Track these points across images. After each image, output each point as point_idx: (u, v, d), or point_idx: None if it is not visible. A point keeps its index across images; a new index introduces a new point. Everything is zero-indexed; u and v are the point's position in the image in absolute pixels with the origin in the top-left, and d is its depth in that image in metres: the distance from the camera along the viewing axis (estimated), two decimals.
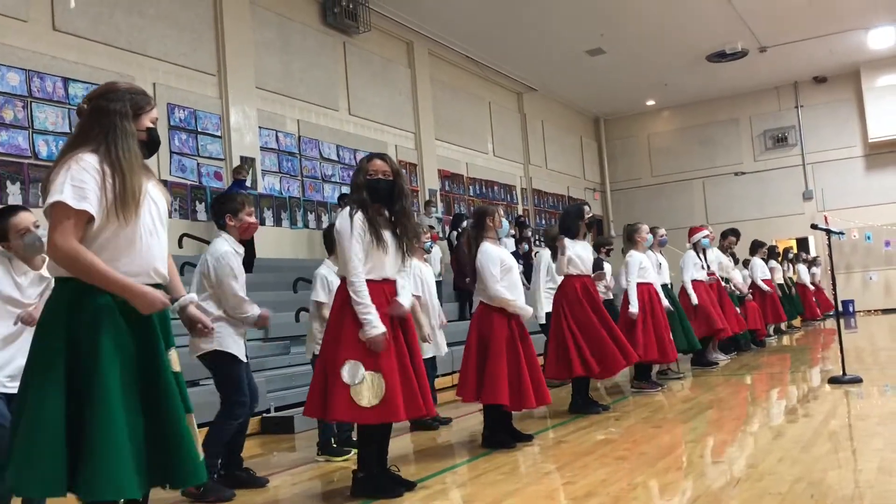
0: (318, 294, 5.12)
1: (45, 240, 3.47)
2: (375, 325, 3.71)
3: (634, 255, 7.54)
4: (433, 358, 6.23)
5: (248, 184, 10.40)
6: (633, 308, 7.23)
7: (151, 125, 2.68)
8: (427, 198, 14.21)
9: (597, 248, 9.34)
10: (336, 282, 4.16)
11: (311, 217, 12.02)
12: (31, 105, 8.42)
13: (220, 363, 4.25)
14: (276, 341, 8.02)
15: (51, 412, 2.36)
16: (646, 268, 7.55)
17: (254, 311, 4.26)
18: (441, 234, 13.64)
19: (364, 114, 13.38)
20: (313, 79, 12.32)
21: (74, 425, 2.37)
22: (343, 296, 3.85)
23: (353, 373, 3.68)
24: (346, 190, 12.17)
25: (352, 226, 3.79)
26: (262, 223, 10.90)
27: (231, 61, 10.84)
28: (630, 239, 7.69)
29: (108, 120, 2.55)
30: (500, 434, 5.06)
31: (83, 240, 2.46)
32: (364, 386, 3.67)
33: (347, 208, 3.91)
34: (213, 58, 10.72)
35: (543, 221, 18.42)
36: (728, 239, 10.18)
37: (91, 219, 2.45)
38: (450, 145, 15.78)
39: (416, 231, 4.13)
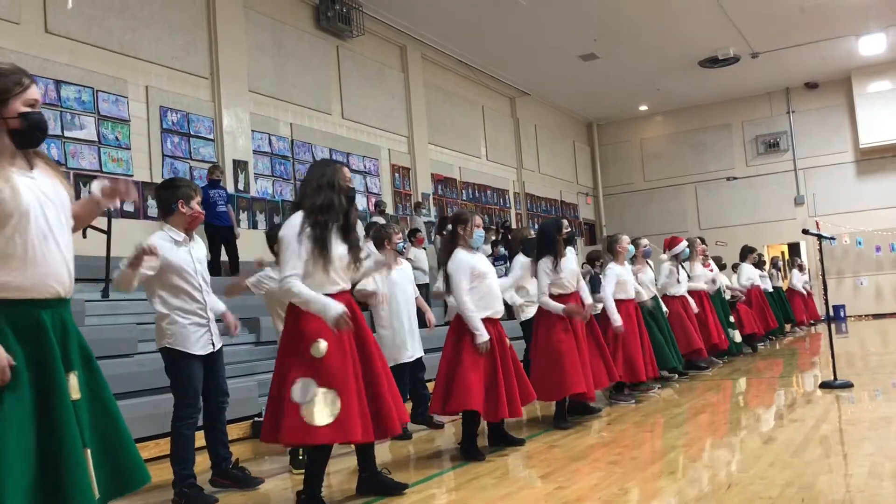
0: None
1: None
2: (333, 306, 3.50)
3: (613, 268, 7.10)
4: (419, 359, 6.20)
5: (232, 186, 10.37)
6: (617, 322, 6.71)
7: (28, 109, 2.34)
8: (418, 200, 14.22)
9: (591, 262, 9.18)
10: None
11: None
12: None
13: (167, 360, 4.15)
14: (266, 345, 7.99)
15: None
16: (625, 282, 7.11)
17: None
18: (429, 238, 13.64)
19: (357, 117, 13.38)
20: (306, 82, 12.32)
21: None
22: (293, 311, 3.66)
23: (304, 391, 3.46)
24: None
25: (301, 231, 3.59)
26: (255, 227, 10.89)
27: (224, 64, 10.82)
28: (611, 250, 7.27)
29: None
30: (475, 446, 4.92)
31: None
32: (316, 404, 3.43)
33: (300, 213, 3.66)
34: (206, 61, 10.70)
35: (536, 226, 18.41)
36: (700, 248, 9.58)
37: None
38: (443, 149, 15.80)
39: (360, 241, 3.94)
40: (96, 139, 9.11)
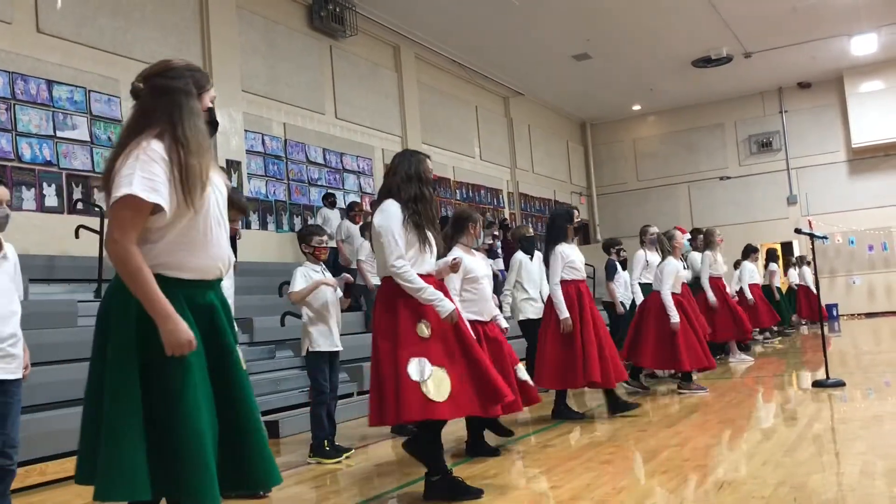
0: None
1: (9, 219, 3.45)
2: (448, 302, 3.71)
3: (671, 263, 7.34)
4: None
5: (233, 186, 10.36)
6: (675, 318, 7.01)
7: (211, 105, 2.52)
8: None
9: (606, 249, 9.29)
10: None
11: (296, 220, 11.99)
12: (14, 107, 8.34)
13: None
14: (261, 345, 7.99)
15: (130, 413, 2.21)
16: (678, 276, 7.38)
17: None
18: None
19: (351, 117, 13.36)
20: (299, 82, 12.30)
21: (155, 425, 2.23)
22: (388, 295, 3.76)
23: (420, 369, 3.60)
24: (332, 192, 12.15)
25: (402, 217, 3.75)
26: (248, 227, 10.87)
27: (217, 64, 10.79)
28: (665, 247, 7.57)
29: (170, 98, 2.37)
30: (483, 443, 4.99)
31: (154, 232, 2.31)
32: (433, 381, 3.58)
33: (391, 200, 3.80)
34: (198, 61, 10.65)
35: (531, 226, 18.42)
36: (697, 239, 10.21)
37: (161, 211, 2.27)
38: (437, 149, 15.76)
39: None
40: (89, 139, 9.07)
